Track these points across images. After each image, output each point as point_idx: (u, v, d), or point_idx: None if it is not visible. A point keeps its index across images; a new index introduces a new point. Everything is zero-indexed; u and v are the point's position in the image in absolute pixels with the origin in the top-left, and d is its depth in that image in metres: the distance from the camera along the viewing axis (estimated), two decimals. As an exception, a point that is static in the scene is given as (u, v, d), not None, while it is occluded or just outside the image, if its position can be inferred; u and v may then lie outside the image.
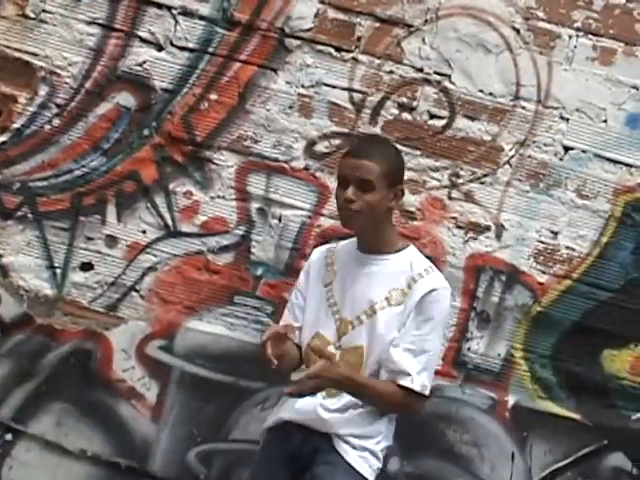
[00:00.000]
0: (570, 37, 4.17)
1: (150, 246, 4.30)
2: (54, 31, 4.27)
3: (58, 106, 4.28)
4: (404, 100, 4.22)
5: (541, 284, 4.21)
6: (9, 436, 4.34)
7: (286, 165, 4.26)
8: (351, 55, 4.22)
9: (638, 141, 4.17)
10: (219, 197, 4.28)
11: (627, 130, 4.18)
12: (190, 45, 4.25)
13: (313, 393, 3.14)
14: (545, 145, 4.19)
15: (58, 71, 4.27)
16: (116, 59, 4.26)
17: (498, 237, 4.22)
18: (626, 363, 4.23)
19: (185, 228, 4.29)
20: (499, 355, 4.24)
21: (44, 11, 4.26)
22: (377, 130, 4.19)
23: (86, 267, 4.32)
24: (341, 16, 4.21)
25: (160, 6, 4.24)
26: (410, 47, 4.20)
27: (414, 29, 4.20)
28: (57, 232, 4.31)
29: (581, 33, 4.16)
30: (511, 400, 4.24)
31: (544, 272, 4.22)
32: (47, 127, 4.28)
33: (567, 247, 4.21)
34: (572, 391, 4.24)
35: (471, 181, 4.22)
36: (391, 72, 4.21)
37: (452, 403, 4.24)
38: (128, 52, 4.26)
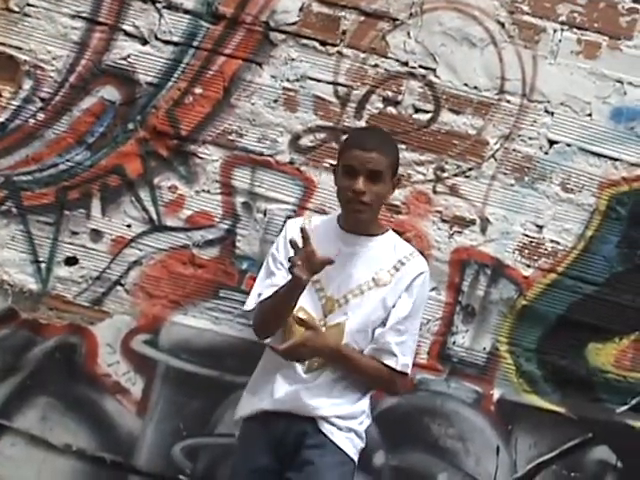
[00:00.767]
0: (555, 31, 4.17)
1: (135, 240, 4.29)
2: (38, 25, 4.25)
3: (42, 100, 4.26)
4: (389, 94, 4.21)
5: (526, 278, 4.22)
6: (-6, 431, 4.34)
7: (271, 159, 4.25)
8: (336, 49, 4.22)
9: (623, 135, 4.18)
10: (204, 191, 4.27)
11: (612, 124, 4.18)
12: (175, 39, 4.24)
13: (299, 360, 3.21)
14: (530, 139, 4.19)
15: (42, 65, 4.25)
16: (100, 53, 4.24)
17: (483, 231, 4.22)
18: (611, 357, 4.24)
19: (170, 222, 4.28)
20: (484, 349, 4.25)
21: (28, 5, 4.24)
22: (362, 124, 4.19)
23: (71, 261, 4.31)
24: (326, 10, 4.21)
25: (145, 0, 4.23)
26: (395, 41, 4.20)
27: (399, 23, 4.19)
28: (42, 226, 4.30)
29: (566, 27, 4.17)
30: (496, 394, 4.25)
31: (529, 266, 4.22)
32: (31, 121, 4.27)
33: (552, 241, 4.22)
34: (557, 385, 4.24)
35: (456, 175, 4.22)
36: (376, 66, 4.21)
37: (437, 397, 4.24)
38: (112, 46, 4.24)
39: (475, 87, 4.19)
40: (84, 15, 4.24)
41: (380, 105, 4.21)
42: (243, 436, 3.35)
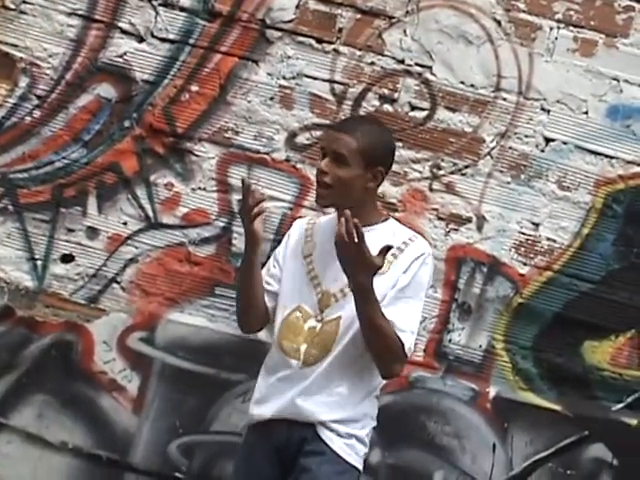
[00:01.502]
0: (551, 29, 4.17)
1: (131, 238, 4.29)
2: (34, 22, 4.25)
3: (38, 97, 4.26)
4: (385, 92, 4.22)
5: (522, 275, 4.22)
6: (-10, 428, 4.34)
7: (267, 157, 4.25)
8: (332, 46, 4.22)
9: (619, 133, 4.18)
10: (200, 189, 4.27)
11: (608, 122, 4.18)
12: (171, 36, 4.24)
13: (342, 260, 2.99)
14: (526, 137, 4.19)
15: (38, 62, 4.25)
16: (97, 50, 4.24)
17: (479, 229, 4.22)
18: (607, 354, 4.24)
19: (166, 220, 4.28)
20: (480, 346, 4.25)
21: (24, 2, 4.25)
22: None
23: (67, 259, 4.31)
24: (322, 7, 4.21)
25: (141, -3, 4.24)
26: (391, 39, 4.20)
27: (395, 20, 4.19)
28: (38, 224, 4.30)
29: (562, 25, 4.17)
30: (492, 391, 4.25)
31: (525, 263, 4.22)
32: (27, 118, 4.27)
33: (548, 238, 4.22)
34: (553, 382, 4.25)
35: (452, 173, 4.22)
36: (372, 64, 4.21)
37: (433, 394, 4.25)
38: (109, 43, 4.25)
39: (471, 85, 4.19)
40: (80, 12, 4.24)
41: (376, 103, 4.21)
42: (245, 444, 3.25)
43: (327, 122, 4.21)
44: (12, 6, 4.25)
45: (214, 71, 4.23)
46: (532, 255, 4.22)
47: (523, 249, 4.22)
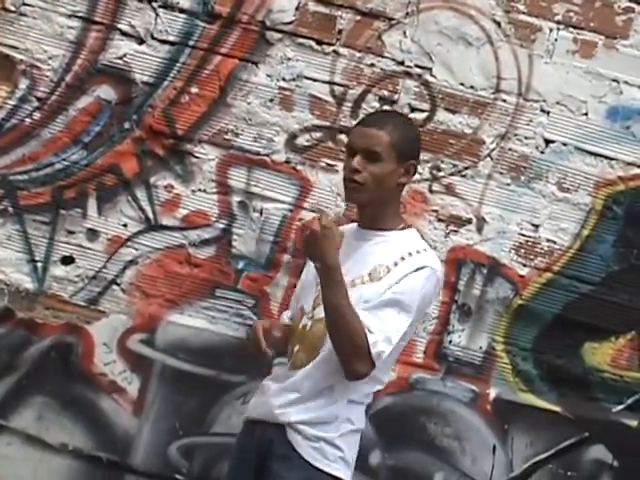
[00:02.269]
0: (551, 30, 4.17)
1: (131, 239, 4.29)
2: (34, 24, 4.25)
3: (38, 99, 4.26)
4: (385, 93, 4.22)
5: (522, 277, 4.22)
6: (-10, 430, 4.34)
7: (267, 158, 4.25)
8: (332, 48, 4.22)
9: (619, 134, 4.18)
10: (200, 190, 4.27)
11: (608, 123, 4.18)
12: (171, 38, 4.24)
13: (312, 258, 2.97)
14: (526, 138, 4.19)
15: (38, 64, 4.25)
16: (97, 52, 4.24)
17: (479, 230, 4.22)
18: (607, 356, 4.24)
19: (166, 221, 4.28)
20: (480, 348, 4.25)
21: (24, 4, 4.24)
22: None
23: (67, 261, 4.31)
24: (322, 9, 4.21)
25: (140, -1, 4.24)
26: (391, 40, 4.20)
27: (395, 22, 4.19)
28: (38, 226, 4.30)
29: (562, 26, 4.17)
30: (492, 393, 4.25)
31: (525, 265, 4.22)
32: (27, 120, 4.26)
33: (548, 240, 4.22)
34: (553, 384, 4.25)
35: (452, 174, 4.22)
36: (372, 65, 4.21)
37: (433, 396, 4.25)
38: (109, 45, 4.24)
39: (471, 86, 4.19)
40: (80, 14, 4.24)
41: (376, 104, 4.21)
42: (236, 439, 3.23)
43: (327, 124, 4.22)
44: (12, 8, 4.25)
45: (214, 73, 4.23)
46: (532, 256, 4.22)
47: (523, 250, 4.22)
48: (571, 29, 4.17)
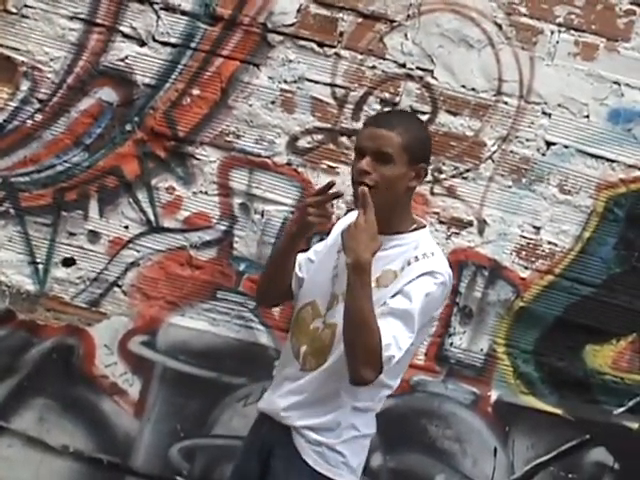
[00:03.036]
0: (552, 32, 4.17)
1: (132, 241, 4.29)
2: (36, 26, 4.25)
3: (40, 101, 4.26)
4: (386, 95, 4.22)
5: (523, 279, 4.22)
6: (-9, 432, 4.34)
7: (268, 160, 4.25)
8: (333, 50, 4.22)
9: (620, 136, 4.18)
10: (201, 192, 4.27)
11: (609, 125, 4.18)
12: (172, 40, 4.24)
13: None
14: (527, 140, 4.19)
15: (40, 66, 4.25)
16: (98, 54, 4.24)
17: (480, 232, 4.23)
18: (608, 358, 4.24)
19: (167, 223, 4.29)
20: (482, 350, 4.25)
21: (26, 6, 4.24)
22: (359, 126, 4.18)
23: (68, 262, 4.31)
24: (323, 11, 4.21)
25: (142, 1, 4.23)
26: (392, 42, 4.20)
27: (396, 24, 4.19)
28: (39, 227, 4.30)
29: (563, 28, 4.17)
30: (493, 395, 4.25)
31: (526, 267, 4.22)
32: (29, 122, 4.27)
33: (549, 242, 4.22)
34: (554, 386, 4.25)
35: (453, 176, 4.22)
36: (373, 67, 4.21)
37: (435, 398, 4.25)
38: (110, 47, 4.25)
39: (472, 89, 4.19)
40: (82, 16, 4.24)
41: (378, 106, 4.21)
42: (247, 434, 3.22)
43: (328, 126, 4.22)
44: (14, 10, 4.25)
45: (215, 75, 4.23)
46: (533, 259, 4.22)
47: (524, 253, 4.22)
48: (572, 31, 4.17)
